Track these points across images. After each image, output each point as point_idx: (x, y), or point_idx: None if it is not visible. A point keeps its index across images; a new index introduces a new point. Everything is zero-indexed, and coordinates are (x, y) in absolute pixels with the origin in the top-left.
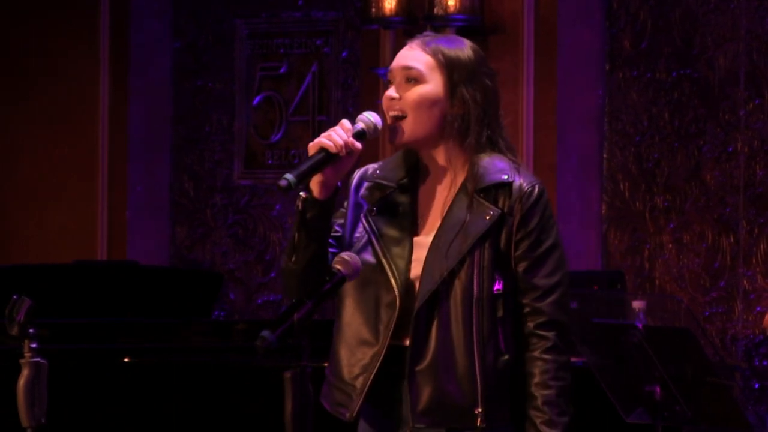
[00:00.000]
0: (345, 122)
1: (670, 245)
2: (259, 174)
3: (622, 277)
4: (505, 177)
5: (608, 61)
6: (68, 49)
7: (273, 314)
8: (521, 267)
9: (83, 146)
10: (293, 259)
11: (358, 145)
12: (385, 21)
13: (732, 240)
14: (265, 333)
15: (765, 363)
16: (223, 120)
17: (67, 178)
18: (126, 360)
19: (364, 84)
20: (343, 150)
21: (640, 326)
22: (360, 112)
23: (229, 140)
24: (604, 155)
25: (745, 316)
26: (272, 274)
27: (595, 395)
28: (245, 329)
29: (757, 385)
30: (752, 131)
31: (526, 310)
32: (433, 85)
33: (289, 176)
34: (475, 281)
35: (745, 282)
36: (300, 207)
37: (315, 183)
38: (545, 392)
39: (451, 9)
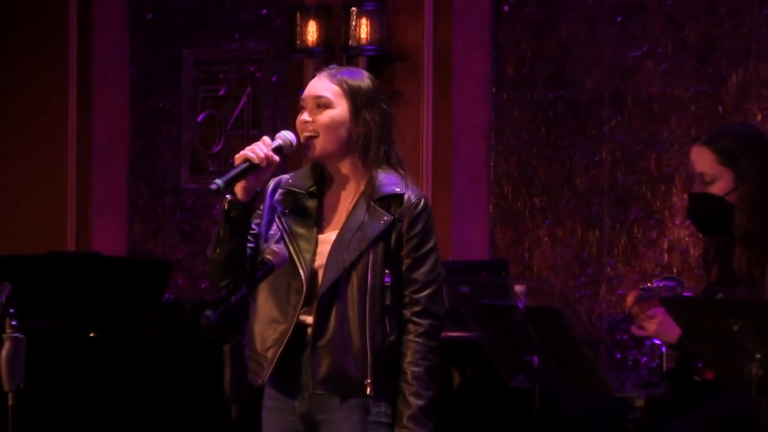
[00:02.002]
0: (266, 138)
1: (546, 239)
2: (202, 179)
3: (506, 266)
4: (398, 190)
5: (495, 85)
6: (41, 73)
7: (214, 297)
8: (405, 264)
9: (54, 154)
10: (218, 251)
11: (277, 158)
12: (308, 51)
13: (598, 234)
14: (208, 312)
15: (625, 337)
16: (173, 133)
17: (41, 181)
18: (92, 335)
19: (290, 104)
20: (264, 161)
21: (521, 306)
22: (287, 127)
23: (178, 151)
24: (492, 163)
25: (608, 298)
26: None
27: (485, 365)
28: (191, 309)
29: (618, 356)
30: (615, 143)
31: (406, 300)
32: (340, 110)
33: (218, 181)
34: (369, 273)
35: (608, 269)
36: (225, 207)
37: (239, 188)
38: (415, 369)
39: (363, 41)
